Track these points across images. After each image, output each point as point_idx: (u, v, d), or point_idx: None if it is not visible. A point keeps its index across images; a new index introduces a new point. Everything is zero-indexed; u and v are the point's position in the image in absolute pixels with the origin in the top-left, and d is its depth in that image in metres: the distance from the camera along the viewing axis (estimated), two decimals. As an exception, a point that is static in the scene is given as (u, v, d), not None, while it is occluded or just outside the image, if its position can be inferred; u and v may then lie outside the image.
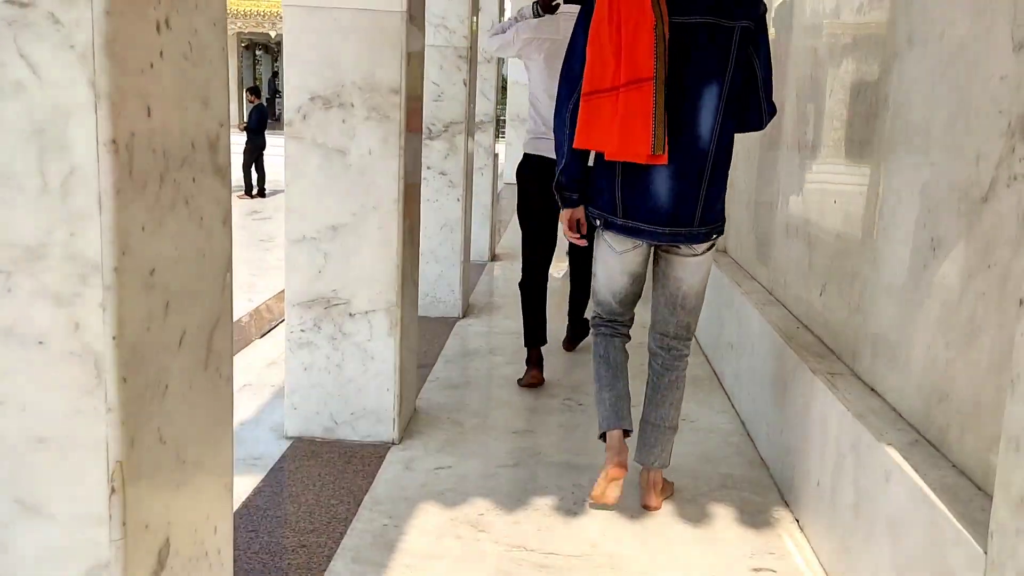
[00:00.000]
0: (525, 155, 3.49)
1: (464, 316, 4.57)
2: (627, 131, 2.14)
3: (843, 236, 2.48)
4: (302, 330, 2.74)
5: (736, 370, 3.34)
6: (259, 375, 3.52)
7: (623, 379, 2.47)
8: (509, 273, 5.98)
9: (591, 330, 2.56)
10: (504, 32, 3.44)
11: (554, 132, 2.38)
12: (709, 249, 2.33)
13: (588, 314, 3.02)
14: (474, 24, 4.45)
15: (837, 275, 2.48)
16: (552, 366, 3.64)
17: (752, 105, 2.28)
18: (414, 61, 2.72)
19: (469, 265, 4.85)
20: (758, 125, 2.34)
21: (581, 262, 3.66)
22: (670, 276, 2.38)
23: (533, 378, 3.46)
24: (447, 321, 4.44)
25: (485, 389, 3.50)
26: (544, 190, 3.13)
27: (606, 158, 2.26)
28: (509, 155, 12.78)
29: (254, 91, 12.72)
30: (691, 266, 2.34)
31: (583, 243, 2.47)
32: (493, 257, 6.46)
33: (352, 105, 2.61)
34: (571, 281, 3.91)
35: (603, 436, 2.42)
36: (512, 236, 7.75)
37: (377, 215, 2.67)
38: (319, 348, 2.74)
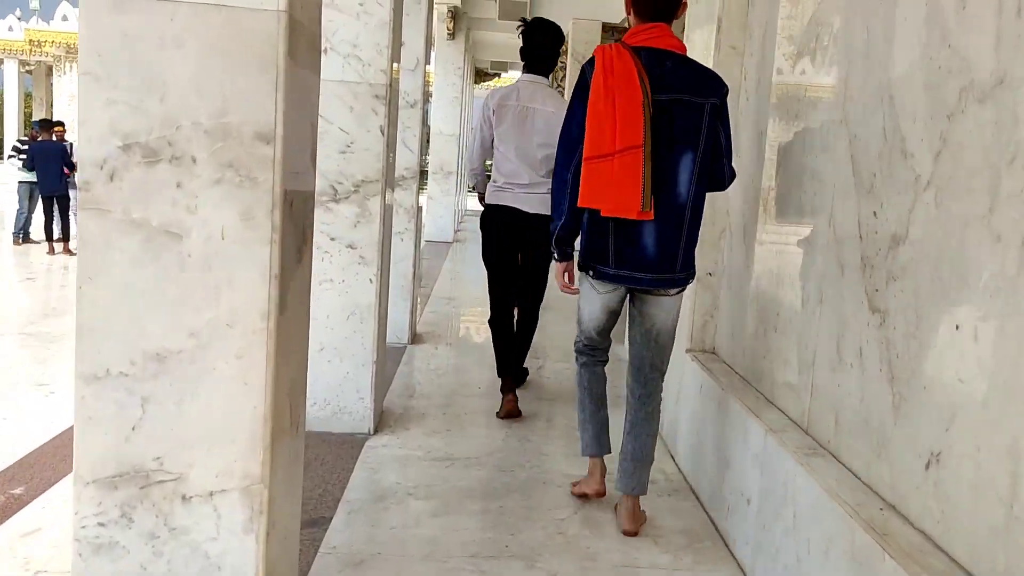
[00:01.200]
0: (489, 205, 3.93)
1: (376, 432, 3.51)
2: (621, 191, 2.47)
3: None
4: (100, 523, 1.66)
5: (759, 540, 2.38)
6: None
7: (604, 408, 2.85)
8: (436, 362, 4.95)
9: (576, 358, 2.87)
10: (477, 140, 3.97)
11: (552, 192, 2.71)
12: (681, 291, 2.69)
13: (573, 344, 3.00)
14: (395, 68, 3.48)
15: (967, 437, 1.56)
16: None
17: (718, 169, 2.66)
18: (300, 91, 1.73)
19: (385, 360, 3.80)
20: (722, 186, 2.74)
21: (525, 303, 4.08)
22: (646, 314, 2.69)
23: (509, 404, 3.82)
24: (353, 441, 3.37)
25: (405, 565, 2.42)
26: (507, 236, 3.88)
27: (603, 214, 2.53)
28: (431, 211, 11.84)
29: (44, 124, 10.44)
30: (666, 305, 2.67)
31: (576, 291, 2.82)
32: (414, 338, 5.42)
33: (193, 159, 1.60)
34: (517, 330, 4.11)
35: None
36: (439, 307, 6.80)
37: (233, 336, 1.63)
38: (128, 552, 1.66)
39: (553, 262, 2.92)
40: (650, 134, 2.47)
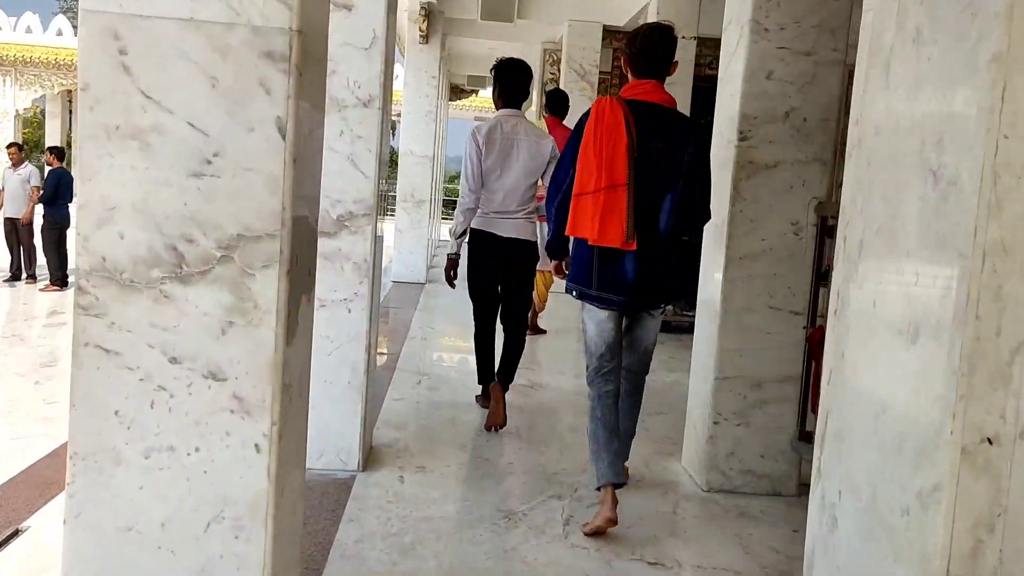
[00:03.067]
0: (474, 230, 4.22)
1: None
2: (605, 224, 2.89)
3: None
4: None
5: None
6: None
7: (616, 438, 3.05)
8: (403, 511, 3.08)
9: (590, 390, 3.12)
10: (472, 173, 4.16)
11: (547, 217, 3.18)
12: (662, 312, 3.24)
13: (584, 371, 3.25)
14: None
15: None
16: None
17: (696, 209, 3.07)
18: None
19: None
20: (700, 223, 3.16)
21: (510, 323, 4.40)
22: (634, 332, 3.19)
23: (496, 416, 4.12)
24: None
25: None
26: (491, 260, 4.26)
27: (589, 243, 2.94)
28: (400, 246, 9.98)
29: (56, 152, 9.55)
30: (649, 326, 3.21)
31: (564, 275, 3.24)
32: (367, 461, 3.55)
33: None
34: (505, 348, 4.37)
35: (599, 487, 3.00)
36: (407, 390, 4.88)
37: None
38: None
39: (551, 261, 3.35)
40: (634, 175, 2.89)
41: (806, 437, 3.39)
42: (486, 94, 21.28)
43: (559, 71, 11.42)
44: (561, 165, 3.08)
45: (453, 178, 41.42)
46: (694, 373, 3.74)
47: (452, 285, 4.31)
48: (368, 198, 3.35)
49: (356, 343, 3.38)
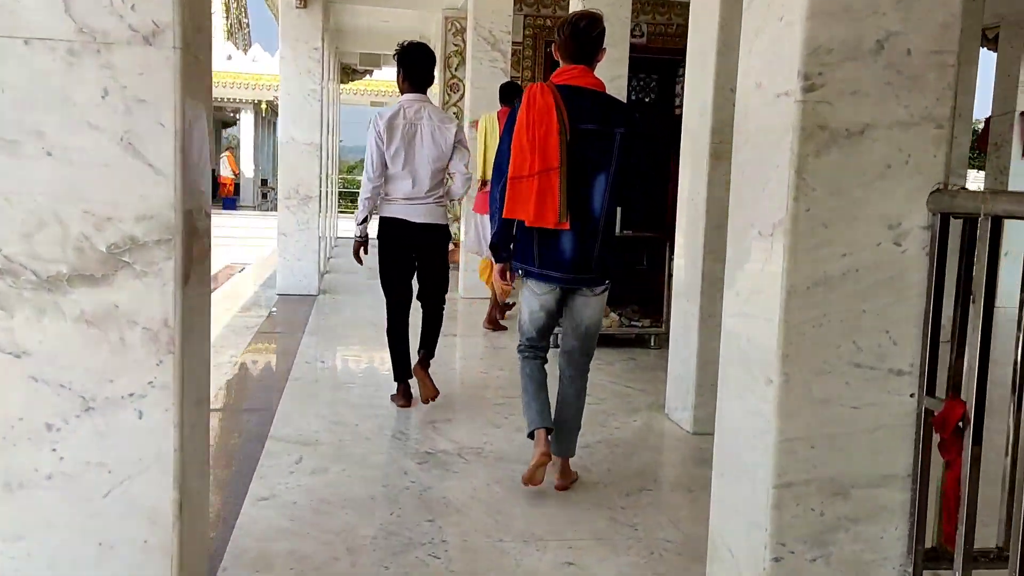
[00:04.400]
0: (383, 218, 4.27)
1: None
2: (540, 206, 3.02)
3: None
4: None
5: None
6: None
7: (545, 391, 3.29)
8: None
9: (519, 355, 3.38)
10: (374, 162, 4.19)
11: (489, 205, 3.27)
12: (604, 291, 3.26)
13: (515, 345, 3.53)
14: None
15: None
16: None
17: (628, 189, 3.16)
18: None
19: None
20: (640, 203, 3.26)
21: (429, 304, 4.46)
22: (575, 311, 3.26)
23: (427, 389, 4.31)
24: None
25: None
26: (403, 247, 4.30)
27: (526, 225, 3.09)
28: (286, 252, 8.36)
29: None
30: (591, 303, 3.25)
31: (510, 288, 3.67)
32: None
33: None
34: (424, 328, 4.45)
35: (531, 434, 3.23)
36: (283, 472, 3.40)
37: None
38: None
39: (496, 264, 3.38)
40: (567, 158, 3.01)
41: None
42: (383, 75, 19.61)
43: (464, 42, 9.97)
44: (501, 151, 3.18)
45: (352, 168, 39.45)
46: (723, 472, 2.38)
47: (360, 261, 4.42)
48: (165, 212, 1.85)
49: (155, 472, 1.88)
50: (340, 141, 34.58)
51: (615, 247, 3.21)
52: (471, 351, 6.15)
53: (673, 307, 4.49)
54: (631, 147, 3.11)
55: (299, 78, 8.23)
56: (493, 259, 3.38)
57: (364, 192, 4.23)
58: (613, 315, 6.28)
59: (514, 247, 3.23)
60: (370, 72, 16.12)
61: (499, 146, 3.20)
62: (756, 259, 2.18)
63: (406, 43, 4.31)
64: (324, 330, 6.74)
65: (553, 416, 3.29)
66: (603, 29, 3.15)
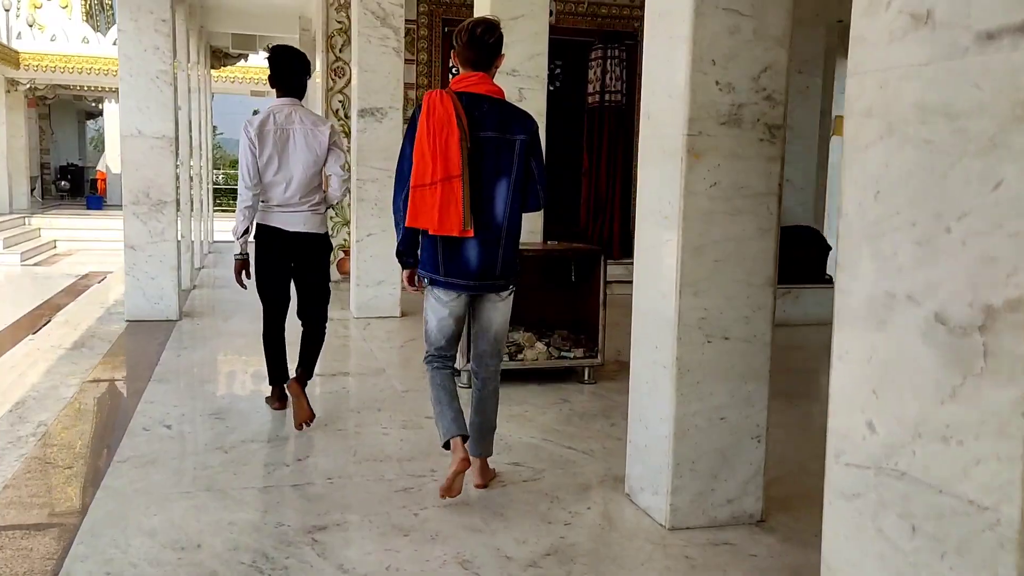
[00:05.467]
0: (259, 225, 4.12)
1: None
2: (444, 213, 3.02)
3: None
4: None
5: None
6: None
7: (456, 399, 3.28)
8: None
9: (426, 366, 3.35)
10: (246, 169, 4.04)
11: (394, 214, 3.22)
12: (510, 295, 3.29)
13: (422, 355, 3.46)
14: None
15: None
16: None
17: (531, 193, 3.22)
18: None
19: None
20: (536, 208, 3.28)
21: (309, 321, 4.35)
22: (483, 316, 3.30)
23: (302, 411, 4.07)
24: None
25: None
26: (278, 256, 4.15)
27: (430, 233, 3.09)
28: (136, 270, 6.87)
29: None
30: (500, 308, 3.28)
31: (417, 289, 3.32)
32: None
33: None
34: (305, 342, 4.34)
35: (446, 444, 3.19)
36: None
37: None
38: None
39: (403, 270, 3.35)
40: (468, 166, 3.02)
41: None
42: (261, 61, 17.89)
43: (348, 17, 8.64)
44: (404, 158, 3.15)
45: (234, 162, 36.96)
46: None
47: (243, 286, 4.22)
48: None
49: None
50: (219, 133, 32.37)
51: (518, 252, 3.28)
52: (368, 398, 4.91)
53: (632, 352, 3.38)
54: (532, 154, 3.19)
55: (143, 57, 6.74)
56: (401, 265, 3.35)
57: (240, 202, 4.11)
58: (539, 345, 5.16)
59: (420, 255, 3.24)
60: (245, 57, 14.45)
61: (400, 156, 3.20)
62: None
63: (276, 46, 4.27)
64: (178, 374, 5.34)
65: (468, 420, 3.32)
66: (501, 35, 3.21)
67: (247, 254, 4.19)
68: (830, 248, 8.17)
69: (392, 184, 3.29)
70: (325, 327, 4.41)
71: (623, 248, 9.49)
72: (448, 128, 3.00)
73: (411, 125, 3.11)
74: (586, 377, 5.23)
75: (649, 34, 3.26)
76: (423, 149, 3.02)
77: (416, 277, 3.30)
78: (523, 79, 5.42)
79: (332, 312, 7.87)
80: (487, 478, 3.42)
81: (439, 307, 3.23)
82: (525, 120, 3.20)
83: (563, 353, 5.19)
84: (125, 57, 6.77)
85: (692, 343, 3.02)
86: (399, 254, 3.27)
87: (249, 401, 4.73)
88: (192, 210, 10.45)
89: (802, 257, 7.65)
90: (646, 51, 3.29)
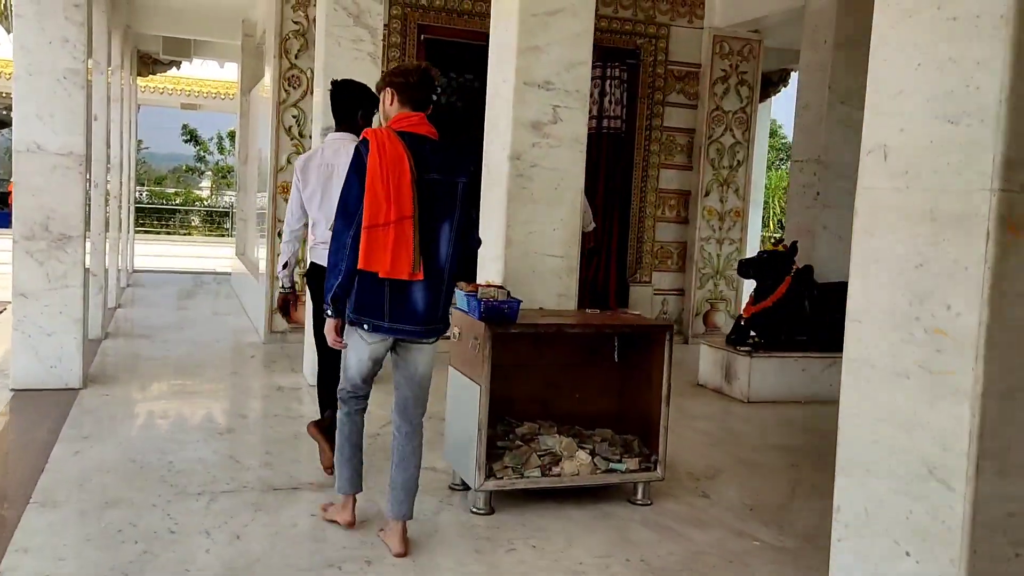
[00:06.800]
0: (311, 263, 4.07)
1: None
2: (396, 256, 2.99)
3: None
4: None
5: None
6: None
7: (360, 453, 3.32)
8: None
9: (339, 405, 3.30)
10: (292, 203, 4.08)
11: (330, 255, 3.08)
12: (438, 339, 3.22)
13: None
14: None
15: None
16: None
17: (470, 238, 3.25)
18: None
19: None
20: (473, 252, 3.37)
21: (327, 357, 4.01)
22: (410, 361, 3.22)
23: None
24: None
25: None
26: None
27: (380, 276, 3.01)
28: (26, 323, 5.27)
29: None
30: (426, 351, 3.23)
31: (343, 346, 3.19)
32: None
33: None
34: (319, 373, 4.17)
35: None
36: None
37: None
38: None
39: (327, 319, 3.16)
40: (417, 207, 3.00)
41: None
42: (198, 71, 16.24)
43: (308, 18, 7.24)
44: (351, 195, 3.07)
45: (162, 179, 34.56)
46: None
47: (287, 319, 4.56)
48: None
49: None
50: (145, 147, 30.09)
51: (452, 297, 3.25)
52: (337, 543, 3.47)
53: (847, 553, 2.07)
54: (472, 194, 3.26)
55: (47, 50, 5.21)
56: (332, 312, 3.15)
57: (284, 236, 4.17)
58: (581, 454, 3.81)
59: (357, 302, 3.10)
60: (177, 64, 12.82)
61: (344, 191, 3.11)
62: None
63: (335, 80, 4.18)
64: (71, 489, 3.76)
65: (391, 477, 3.24)
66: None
67: (289, 288, 4.17)
68: (879, 309, 7.04)
69: None
70: None
71: (619, 298, 8.24)
72: (400, 168, 3.00)
73: (356, 162, 3.07)
74: (639, 495, 3.89)
75: (894, 24, 1.99)
76: (376, 189, 2.99)
77: (342, 327, 3.20)
78: (558, 95, 4.12)
79: (278, 377, 6.51)
80: (407, 546, 3.22)
81: (363, 347, 3.18)
82: (465, 160, 3.22)
83: (612, 465, 3.84)
84: (22, 49, 5.21)
85: (993, 557, 1.72)
86: (336, 299, 3.11)
87: (180, 543, 3.24)
88: (108, 238, 8.76)
89: (843, 320, 6.47)
90: (878, 52, 2.01)
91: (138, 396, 5.52)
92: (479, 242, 3.36)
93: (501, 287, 3.73)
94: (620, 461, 3.86)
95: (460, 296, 3.77)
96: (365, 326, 3.10)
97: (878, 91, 1.91)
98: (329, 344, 3.21)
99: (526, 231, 4.15)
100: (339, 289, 3.07)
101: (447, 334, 3.36)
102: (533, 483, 3.71)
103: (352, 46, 5.71)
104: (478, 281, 4.35)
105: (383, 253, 2.97)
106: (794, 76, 10.35)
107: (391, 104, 3.19)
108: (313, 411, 5.26)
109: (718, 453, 4.94)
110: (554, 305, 4.19)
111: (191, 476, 3.91)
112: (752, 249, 9.27)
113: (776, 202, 17.88)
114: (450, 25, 7.68)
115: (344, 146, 3.93)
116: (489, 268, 4.23)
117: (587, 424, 4.11)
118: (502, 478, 3.66)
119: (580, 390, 4.16)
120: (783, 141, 20.67)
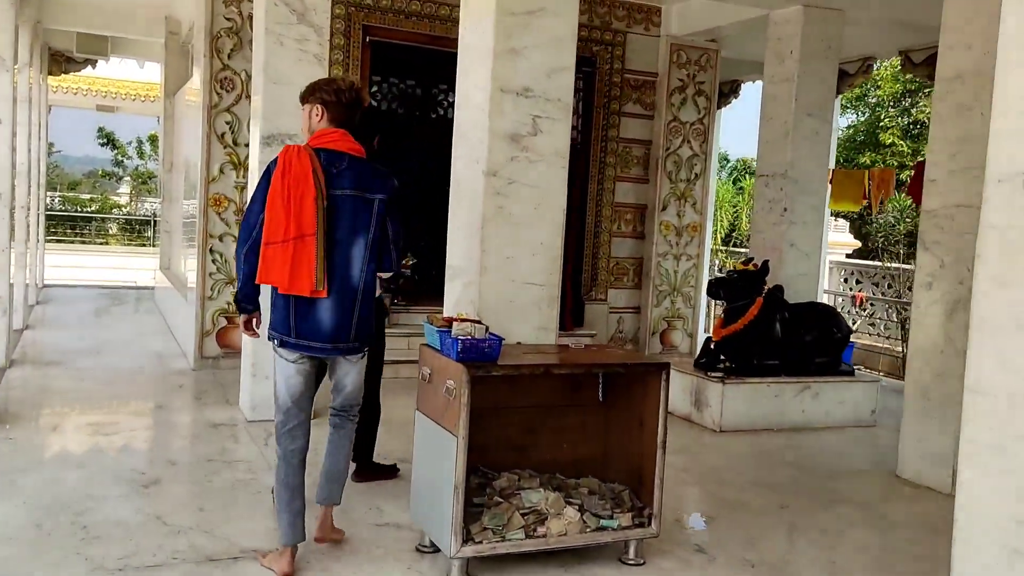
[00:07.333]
0: None
1: None
2: (295, 272, 2.99)
3: None
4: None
5: None
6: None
7: (301, 497, 3.18)
8: None
9: (277, 443, 3.20)
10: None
11: (236, 262, 3.20)
12: (363, 357, 3.29)
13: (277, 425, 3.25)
14: None
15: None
16: None
17: (385, 255, 3.22)
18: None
19: None
20: (391, 268, 3.27)
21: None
22: (336, 379, 3.31)
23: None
24: None
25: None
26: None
27: (279, 292, 3.05)
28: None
29: None
30: (352, 370, 3.28)
31: (255, 334, 3.33)
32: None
33: None
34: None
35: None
36: None
37: None
38: None
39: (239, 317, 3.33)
40: (323, 224, 3.01)
41: None
42: (114, 71, 15.26)
43: (242, 15, 6.64)
44: (252, 211, 3.12)
45: (76, 185, 32.80)
46: None
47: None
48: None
49: None
50: (56, 151, 28.47)
51: (372, 314, 3.23)
52: None
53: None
54: (390, 214, 3.20)
55: (-61, 42, 4.51)
56: (239, 311, 3.31)
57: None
58: (569, 511, 3.36)
59: (271, 318, 3.15)
60: (92, 63, 11.91)
61: (250, 205, 3.17)
62: None
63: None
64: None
65: (322, 465, 3.33)
66: None
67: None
68: (851, 331, 6.80)
69: None
70: (377, 402, 4.23)
71: (575, 317, 7.83)
72: (304, 186, 3.00)
73: (265, 177, 3.09)
74: (631, 554, 3.46)
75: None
76: (276, 206, 3.01)
77: (255, 322, 3.30)
78: (538, 103, 3.67)
79: (211, 412, 5.84)
80: (332, 535, 3.34)
81: (286, 367, 3.17)
82: (385, 179, 3.21)
83: (603, 522, 3.40)
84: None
85: None
86: (237, 302, 3.26)
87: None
88: (13, 251, 7.90)
89: (814, 342, 6.20)
90: (1009, 63, 1.61)
91: (47, 439, 4.83)
92: (395, 263, 3.27)
93: (478, 321, 3.25)
94: (611, 517, 3.42)
95: (431, 332, 3.29)
96: (276, 341, 3.15)
97: (1009, 109, 1.53)
98: (243, 333, 3.34)
99: (503, 256, 3.68)
100: (238, 293, 3.25)
101: (420, 373, 3.34)
102: (516, 546, 3.24)
103: (296, 46, 5.16)
104: (445, 313, 3.86)
105: (281, 269, 3.00)
106: (744, 88, 10.17)
107: (318, 119, 3.18)
108: (253, 451, 4.69)
109: (701, 493, 4.56)
110: (533, 339, 3.73)
111: (109, 545, 3.32)
112: (708, 266, 9.00)
113: (723, 215, 17.80)
114: (397, 27, 7.16)
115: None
116: (460, 297, 3.75)
117: (570, 472, 3.67)
118: (481, 542, 3.18)
119: (562, 434, 3.71)
120: (722, 152, 20.71)
